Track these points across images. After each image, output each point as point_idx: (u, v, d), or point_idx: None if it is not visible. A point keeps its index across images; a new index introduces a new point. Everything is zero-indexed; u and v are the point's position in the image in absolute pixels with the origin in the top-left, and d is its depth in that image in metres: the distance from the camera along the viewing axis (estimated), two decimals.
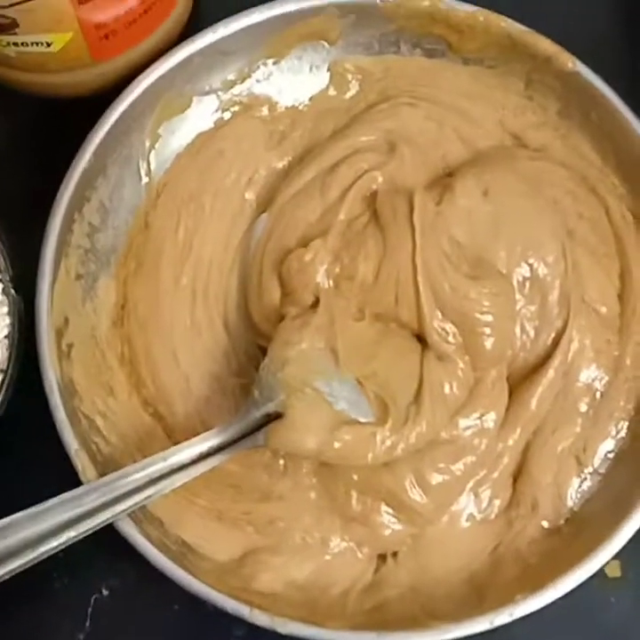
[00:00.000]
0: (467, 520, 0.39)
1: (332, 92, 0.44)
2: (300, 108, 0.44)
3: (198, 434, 0.37)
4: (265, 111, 0.44)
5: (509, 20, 0.41)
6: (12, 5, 0.36)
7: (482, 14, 0.41)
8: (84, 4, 0.37)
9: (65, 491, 0.35)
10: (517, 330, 0.39)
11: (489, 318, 0.38)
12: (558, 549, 0.38)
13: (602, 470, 0.40)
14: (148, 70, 0.41)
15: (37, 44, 0.39)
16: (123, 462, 0.38)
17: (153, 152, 0.42)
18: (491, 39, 0.42)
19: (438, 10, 0.42)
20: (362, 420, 0.36)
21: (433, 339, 0.38)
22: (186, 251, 0.42)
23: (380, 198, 0.40)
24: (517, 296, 0.39)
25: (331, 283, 0.39)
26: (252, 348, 0.41)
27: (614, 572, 0.40)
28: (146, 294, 0.41)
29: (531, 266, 0.39)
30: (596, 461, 0.40)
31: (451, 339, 0.38)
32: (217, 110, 0.43)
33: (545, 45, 0.41)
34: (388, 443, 0.36)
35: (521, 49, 0.42)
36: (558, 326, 0.39)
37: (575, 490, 0.39)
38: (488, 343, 0.38)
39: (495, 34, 0.42)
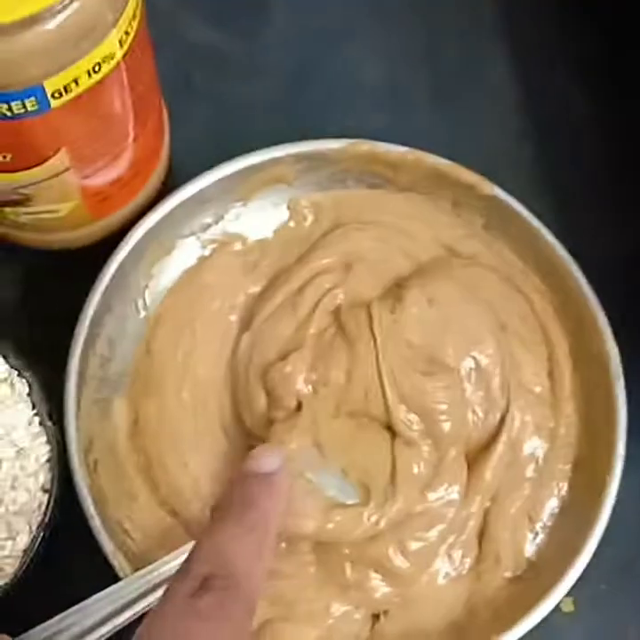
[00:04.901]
0: (443, 578, 0.45)
1: (291, 224, 0.51)
2: (267, 239, 0.51)
3: None
4: (238, 246, 0.50)
5: (435, 157, 0.49)
6: (29, 185, 0.43)
7: (412, 154, 0.49)
8: (87, 178, 0.44)
9: (103, 588, 0.40)
10: (469, 413, 0.45)
11: (444, 407, 0.44)
12: (521, 594, 0.44)
13: (549, 523, 0.46)
14: (139, 223, 0.47)
15: (48, 212, 0.45)
16: (149, 557, 0.43)
17: (147, 289, 0.49)
18: (421, 172, 0.49)
19: (376, 152, 0.49)
20: (349, 502, 0.42)
21: (400, 428, 0.44)
22: (184, 371, 0.48)
23: (343, 312, 0.47)
24: (466, 385, 0.45)
25: (309, 388, 0.45)
26: (249, 447, 0.46)
27: (568, 607, 0.46)
28: (154, 410, 0.47)
29: (474, 359, 0.46)
30: (545, 517, 0.46)
31: (414, 427, 0.44)
32: (198, 249, 0.50)
33: (466, 175, 0.49)
34: (373, 519, 0.42)
35: (447, 179, 0.49)
36: (502, 407, 0.46)
37: (530, 543, 0.46)
38: (445, 427, 0.44)
39: (424, 168, 0.49)
